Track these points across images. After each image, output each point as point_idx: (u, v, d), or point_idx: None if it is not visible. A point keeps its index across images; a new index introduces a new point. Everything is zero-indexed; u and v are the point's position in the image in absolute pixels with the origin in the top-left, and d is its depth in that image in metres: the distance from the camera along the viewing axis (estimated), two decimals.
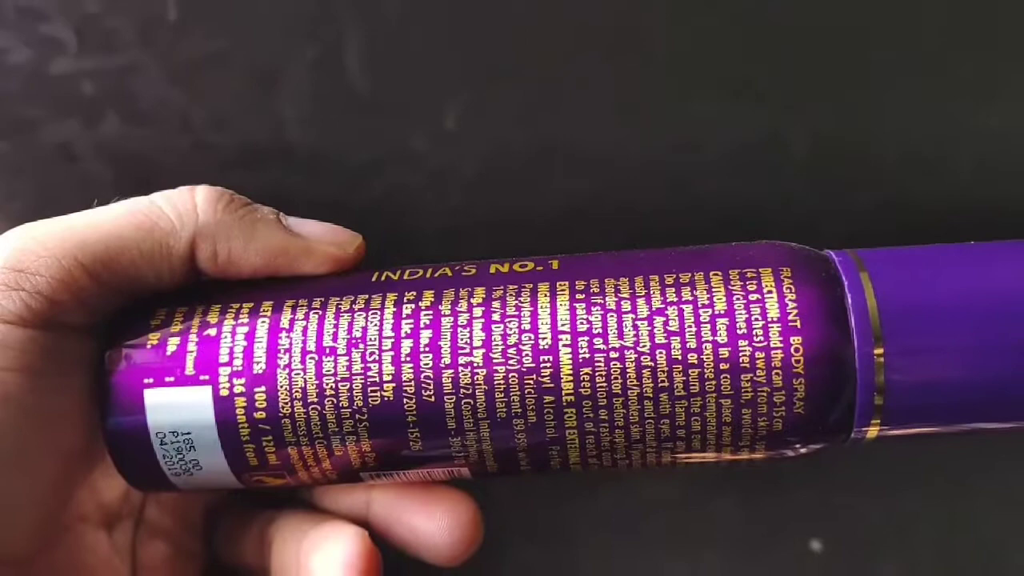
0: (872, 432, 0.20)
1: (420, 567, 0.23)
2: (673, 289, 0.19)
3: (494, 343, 0.19)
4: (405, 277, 0.21)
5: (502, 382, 0.19)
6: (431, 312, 0.20)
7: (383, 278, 0.21)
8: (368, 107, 0.26)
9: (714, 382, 0.19)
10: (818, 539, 0.29)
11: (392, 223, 0.26)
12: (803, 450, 0.20)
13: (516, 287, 0.20)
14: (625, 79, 0.26)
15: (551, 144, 0.26)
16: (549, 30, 0.25)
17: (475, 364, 0.19)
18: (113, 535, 0.23)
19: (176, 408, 0.20)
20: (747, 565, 0.30)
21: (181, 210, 0.21)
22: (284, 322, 0.20)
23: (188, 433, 0.20)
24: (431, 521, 0.22)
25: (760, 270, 0.20)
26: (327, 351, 0.20)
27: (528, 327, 0.19)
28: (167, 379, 0.20)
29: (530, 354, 0.19)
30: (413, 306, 0.20)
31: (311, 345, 0.20)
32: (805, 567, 0.30)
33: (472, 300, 0.20)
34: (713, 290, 0.19)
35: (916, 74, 0.25)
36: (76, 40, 0.25)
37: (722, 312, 0.19)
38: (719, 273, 0.20)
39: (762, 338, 0.19)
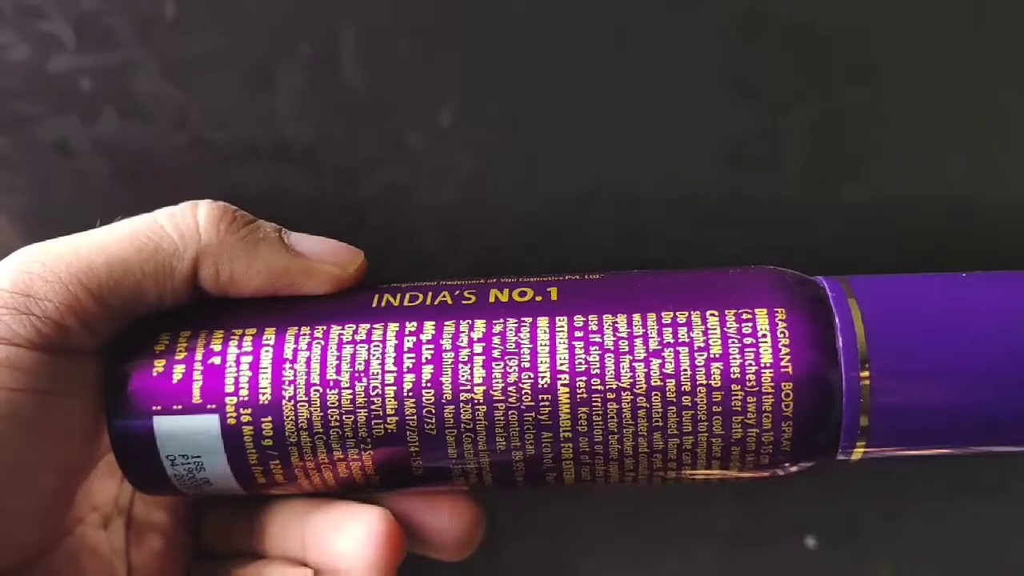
0: (857, 454, 0.20)
1: (418, 562, 0.23)
2: (670, 329, 0.20)
3: (494, 380, 0.20)
4: (406, 303, 0.21)
5: (502, 418, 0.20)
6: (432, 346, 0.20)
7: (383, 303, 0.21)
8: (364, 104, 0.26)
9: (706, 423, 0.20)
10: (813, 535, 0.30)
11: (387, 219, 0.27)
12: (783, 474, 0.21)
13: (516, 321, 0.20)
14: (621, 77, 0.26)
15: (546, 142, 0.26)
16: (545, 28, 0.25)
17: (476, 401, 0.20)
18: (106, 534, 0.23)
19: (185, 435, 0.20)
20: (743, 561, 0.30)
21: (183, 230, 0.21)
22: (287, 352, 0.20)
23: (198, 457, 0.20)
24: (436, 518, 0.22)
25: (755, 311, 0.20)
26: (331, 384, 0.20)
27: (528, 365, 0.20)
28: (175, 407, 0.20)
29: (529, 393, 0.20)
30: (414, 339, 0.20)
31: (315, 378, 0.20)
32: (801, 563, 0.30)
33: (473, 335, 0.20)
34: (709, 332, 0.20)
35: (914, 73, 0.25)
36: (74, 37, 0.25)
37: (717, 356, 0.19)
38: (716, 313, 0.20)
39: (754, 383, 0.19)
